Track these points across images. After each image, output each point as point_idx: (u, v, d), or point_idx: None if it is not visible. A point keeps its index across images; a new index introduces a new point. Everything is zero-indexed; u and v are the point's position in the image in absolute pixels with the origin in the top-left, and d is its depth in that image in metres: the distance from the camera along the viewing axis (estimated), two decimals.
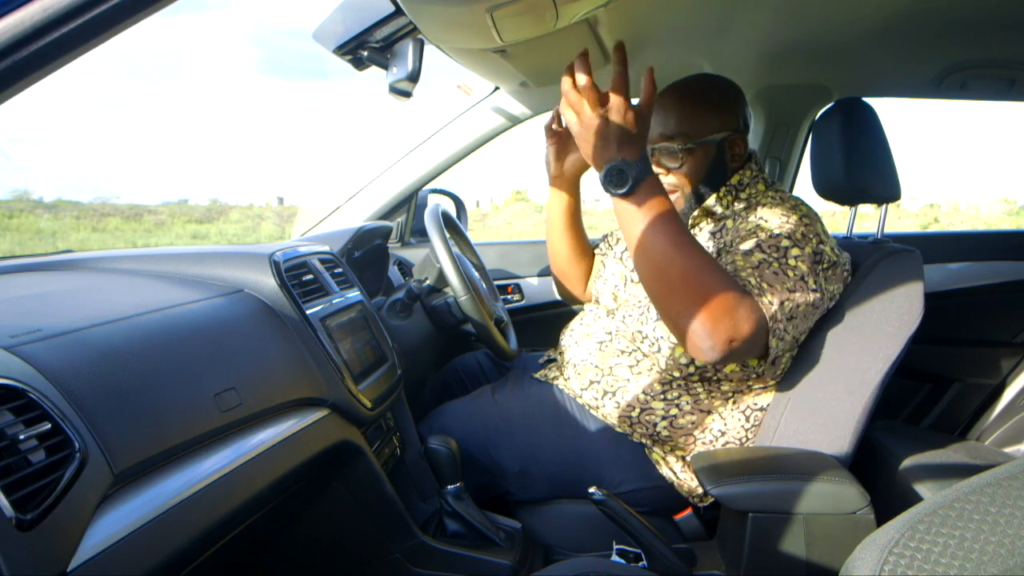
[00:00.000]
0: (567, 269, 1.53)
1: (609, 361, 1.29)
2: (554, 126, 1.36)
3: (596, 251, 1.54)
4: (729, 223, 1.23)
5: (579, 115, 1.00)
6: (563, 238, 1.48)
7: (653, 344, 1.25)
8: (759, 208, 1.20)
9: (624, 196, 1.01)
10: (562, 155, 1.36)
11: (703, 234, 1.27)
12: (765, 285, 1.05)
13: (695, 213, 1.28)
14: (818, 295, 1.10)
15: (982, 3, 1.32)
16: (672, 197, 1.26)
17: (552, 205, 1.45)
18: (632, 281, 1.36)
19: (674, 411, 1.24)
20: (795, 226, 1.13)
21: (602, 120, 0.99)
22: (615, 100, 0.99)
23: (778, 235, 1.11)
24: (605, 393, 1.28)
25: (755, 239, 1.12)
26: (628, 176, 1.00)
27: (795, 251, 1.09)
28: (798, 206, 1.19)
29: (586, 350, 1.33)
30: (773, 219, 1.15)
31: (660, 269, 1.03)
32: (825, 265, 1.13)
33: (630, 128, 1.00)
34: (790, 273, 1.07)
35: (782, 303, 1.05)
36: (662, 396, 1.24)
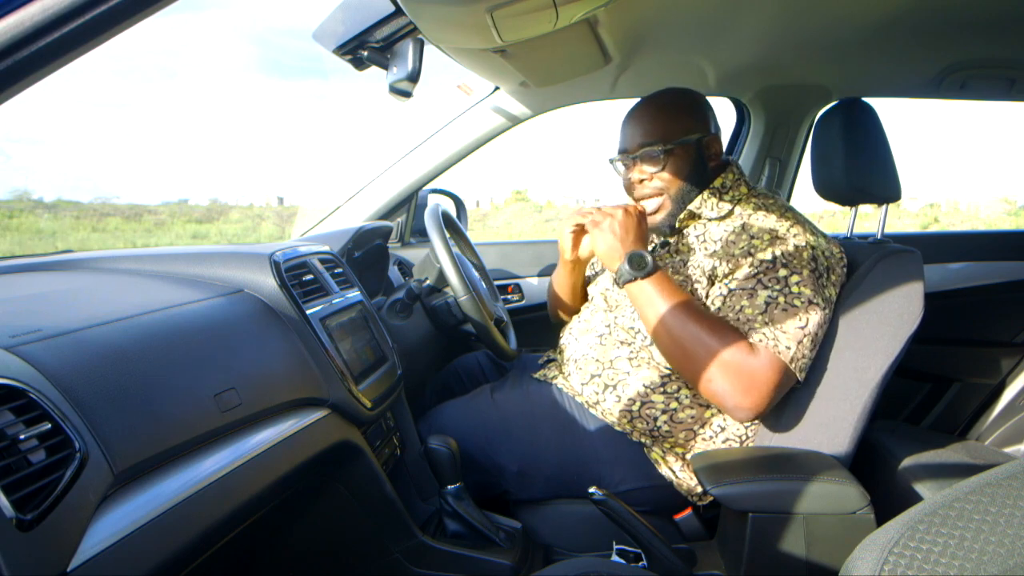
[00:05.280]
0: (562, 315, 1.57)
1: (610, 354, 1.30)
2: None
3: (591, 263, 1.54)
4: (715, 226, 1.28)
5: (605, 220, 1.23)
6: (566, 301, 1.53)
7: (646, 338, 1.27)
8: (745, 215, 1.26)
9: (644, 277, 1.18)
10: (578, 243, 1.42)
11: (690, 237, 1.31)
12: (780, 332, 1.12)
13: (681, 216, 1.32)
14: (826, 310, 1.16)
15: (982, 3, 1.32)
16: (659, 201, 1.33)
17: (561, 278, 1.51)
18: None
19: (674, 404, 1.24)
20: (785, 238, 1.19)
21: (622, 224, 1.22)
22: (633, 209, 1.25)
23: (773, 261, 1.17)
24: (606, 387, 1.29)
25: (753, 270, 1.17)
26: (647, 260, 1.18)
27: (795, 278, 1.15)
28: (784, 213, 1.24)
29: (587, 344, 1.35)
30: (763, 235, 1.20)
31: (679, 340, 1.16)
32: (824, 274, 1.18)
33: (642, 230, 1.24)
34: (797, 303, 1.14)
35: (799, 342, 1.12)
36: (661, 389, 1.25)
